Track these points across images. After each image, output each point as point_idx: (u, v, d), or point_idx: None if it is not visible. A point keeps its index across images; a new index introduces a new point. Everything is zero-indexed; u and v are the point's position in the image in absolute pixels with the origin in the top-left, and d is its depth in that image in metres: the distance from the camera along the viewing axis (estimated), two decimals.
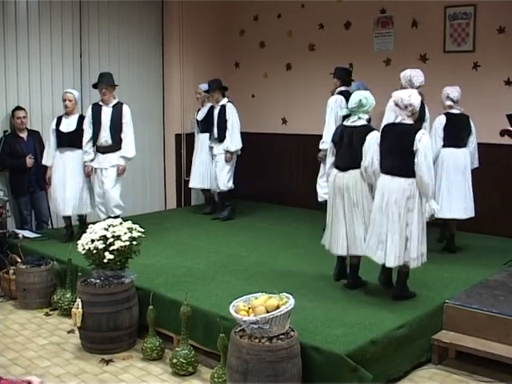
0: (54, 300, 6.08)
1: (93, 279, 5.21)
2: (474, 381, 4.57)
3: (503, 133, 6.11)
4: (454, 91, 6.59)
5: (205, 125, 8.52)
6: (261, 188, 9.16)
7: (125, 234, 5.17)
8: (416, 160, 4.86)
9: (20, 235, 7.13)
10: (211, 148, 8.46)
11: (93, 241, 5.11)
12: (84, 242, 5.17)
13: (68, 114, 7.21)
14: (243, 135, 8.36)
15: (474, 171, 6.57)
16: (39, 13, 8.02)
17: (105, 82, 7.17)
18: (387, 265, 5.02)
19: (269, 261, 6.32)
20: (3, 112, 7.77)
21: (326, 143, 6.98)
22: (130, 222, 5.42)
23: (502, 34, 7.23)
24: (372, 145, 5.10)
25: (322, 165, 7.41)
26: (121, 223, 5.29)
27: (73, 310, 5.17)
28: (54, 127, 7.17)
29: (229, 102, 8.35)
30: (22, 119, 7.64)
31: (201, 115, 8.66)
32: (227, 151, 8.23)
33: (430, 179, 4.92)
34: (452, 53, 7.63)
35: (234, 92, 8.82)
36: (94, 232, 5.19)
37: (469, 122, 6.57)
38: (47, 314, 6.06)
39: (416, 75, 6.53)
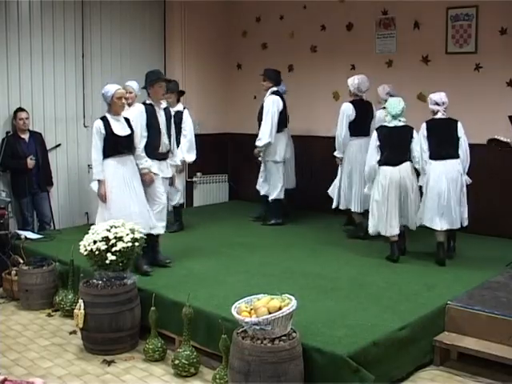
0: (56, 301, 6.08)
1: (95, 280, 5.21)
2: (476, 382, 4.56)
3: (491, 142, 6.04)
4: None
5: None
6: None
7: (127, 235, 5.18)
8: (460, 143, 6.22)
9: (22, 236, 7.13)
10: None
11: (95, 242, 5.12)
12: (86, 243, 5.18)
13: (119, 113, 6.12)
14: (245, 136, 8.36)
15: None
16: (41, 13, 8.03)
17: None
18: (458, 226, 6.24)
19: (270, 262, 6.32)
20: (5, 113, 7.78)
21: (262, 140, 7.83)
22: (131, 223, 5.44)
23: (504, 35, 7.22)
24: (420, 139, 6.26)
25: (262, 163, 8.15)
26: (123, 224, 5.30)
27: (75, 311, 5.18)
28: (104, 131, 5.86)
29: (185, 108, 7.78)
30: (24, 120, 7.64)
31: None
32: (183, 162, 7.55)
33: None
34: (454, 54, 7.63)
35: (236, 93, 8.82)
36: (96, 233, 5.19)
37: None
38: (49, 315, 6.07)
39: (363, 82, 7.28)
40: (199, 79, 9.65)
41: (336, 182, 7.58)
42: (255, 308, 4.11)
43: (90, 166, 8.42)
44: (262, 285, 5.23)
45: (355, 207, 7.38)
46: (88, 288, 5.18)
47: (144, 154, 6.06)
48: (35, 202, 7.81)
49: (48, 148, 8.06)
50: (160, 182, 6.22)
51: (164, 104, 6.55)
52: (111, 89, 5.92)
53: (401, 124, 6.29)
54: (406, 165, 6.24)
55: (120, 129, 5.89)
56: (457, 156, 6.21)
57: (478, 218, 7.40)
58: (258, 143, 7.90)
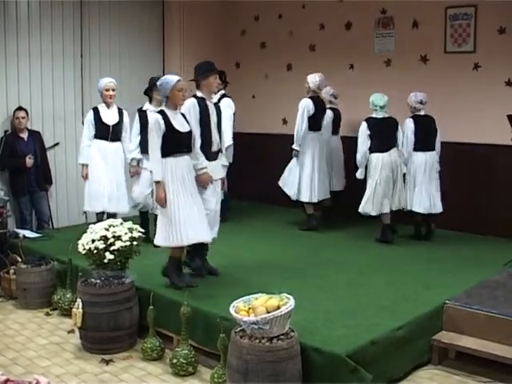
0: (54, 300, 6.08)
1: (93, 279, 5.21)
2: (474, 381, 4.57)
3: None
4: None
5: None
6: (261, 189, 9.15)
7: (125, 234, 5.18)
8: (438, 137, 7.17)
9: (20, 235, 7.12)
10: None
11: (93, 241, 5.12)
12: (84, 242, 5.18)
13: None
14: (245, 135, 8.35)
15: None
16: (40, 13, 8.02)
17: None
18: (438, 211, 7.12)
19: (269, 261, 6.32)
20: (4, 112, 7.77)
21: (228, 141, 7.47)
22: (130, 222, 5.43)
23: (503, 34, 7.22)
24: (407, 132, 7.15)
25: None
26: (121, 223, 5.30)
27: (73, 310, 5.18)
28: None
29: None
30: (20, 119, 7.62)
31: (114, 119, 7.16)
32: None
33: None
34: (453, 53, 7.63)
35: (235, 92, 8.81)
36: (94, 232, 5.19)
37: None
38: (47, 314, 6.06)
39: (322, 80, 7.69)
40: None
41: (287, 174, 7.84)
42: (253, 307, 4.11)
43: None
44: (260, 284, 5.23)
45: (310, 198, 7.68)
46: (86, 287, 5.18)
47: (201, 152, 5.53)
48: (34, 201, 7.81)
49: (46, 147, 8.05)
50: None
51: (215, 98, 6.47)
52: (172, 79, 5.35)
53: (387, 115, 7.09)
54: (394, 150, 7.05)
55: (179, 124, 5.32)
56: (434, 148, 7.16)
57: (477, 217, 7.44)
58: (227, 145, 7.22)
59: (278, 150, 9.15)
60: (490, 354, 4.60)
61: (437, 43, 7.72)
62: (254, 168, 8.56)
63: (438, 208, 7.13)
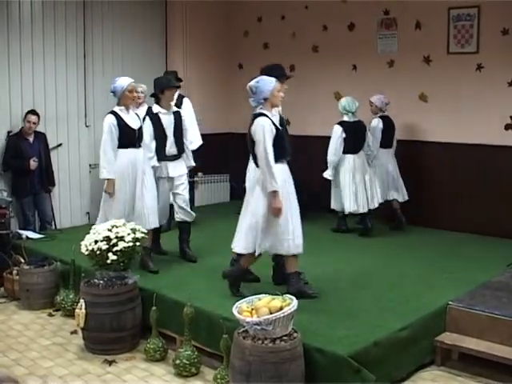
0: (57, 301, 6.09)
1: (96, 280, 5.21)
2: (477, 383, 4.56)
3: (508, 127, 6.14)
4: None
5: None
6: None
7: (128, 234, 5.18)
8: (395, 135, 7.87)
9: (23, 236, 7.14)
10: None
11: (96, 242, 5.12)
12: (87, 243, 5.18)
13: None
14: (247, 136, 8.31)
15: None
16: (43, 14, 8.02)
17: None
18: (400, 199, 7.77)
19: (269, 261, 6.31)
20: (7, 113, 7.77)
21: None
22: (132, 223, 5.44)
23: (506, 35, 7.21)
24: (376, 131, 7.68)
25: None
26: (124, 224, 5.30)
27: (76, 310, 5.18)
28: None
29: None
30: (31, 124, 7.59)
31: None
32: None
33: None
34: (456, 54, 7.62)
35: (238, 93, 8.81)
36: (97, 233, 5.20)
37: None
38: (50, 315, 6.07)
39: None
40: (200, 79, 9.65)
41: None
42: (256, 308, 4.11)
43: (91, 166, 8.46)
44: (264, 285, 5.22)
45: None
46: (89, 288, 5.18)
47: None
48: (37, 202, 7.81)
49: (49, 147, 8.05)
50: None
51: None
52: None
53: (357, 119, 7.45)
54: (362, 152, 7.50)
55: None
56: (392, 145, 7.82)
57: (479, 218, 7.43)
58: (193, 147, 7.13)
59: None
60: (493, 355, 4.59)
61: (440, 44, 7.72)
62: None
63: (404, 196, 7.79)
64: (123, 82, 6.00)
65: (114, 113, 5.98)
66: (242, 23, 9.92)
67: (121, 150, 5.98)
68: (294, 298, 4.16)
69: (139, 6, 9.07)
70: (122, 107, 6.03)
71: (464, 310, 4.92)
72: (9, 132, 7.67)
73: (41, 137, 7.84)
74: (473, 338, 4.80)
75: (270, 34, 9.53)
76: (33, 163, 7.54)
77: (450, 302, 5.02)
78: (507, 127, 6.12)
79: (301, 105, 8.97)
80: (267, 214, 4.94)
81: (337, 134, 7.38)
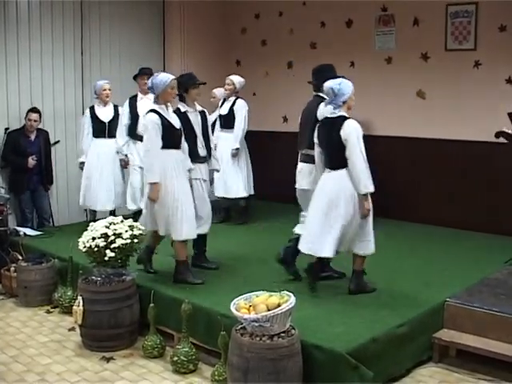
0: (54, 298, 6.09)
1: (94, 277, 5.21)
2: (475, 379, 4.57)
3: (499, 135, 6.12)
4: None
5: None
6: (261, 186, 9.13)
7: (126, 231, 5.18)
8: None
9: (21, 233, 7.13)
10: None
11: (94, 238, 5.12)
12: (85, 240, 5.18)
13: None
14: (246, 133, 8.32)
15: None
16: (40, 12, 8.01)
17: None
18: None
19: (268, 259, 6.31)
20: (4, 110, 7.76)
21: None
22: (130, 219, 5.43)
23: (504, 32, 7.21)
24: None
25: None
26: (122, 221, 5.30)
27: (74, 307, 5.18)
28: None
29: None
30: (32, 122, 7.58)
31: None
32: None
33: None
34: (453, 51, 7.62)
35: None
36: (95, 230, 5.19)
37: None
38: (48, 312, 6.07)
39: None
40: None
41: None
42: (254, 305, 4.11)
43: None
44: (261, 282, 5.23)
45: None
46: (87, 285, 5.18)
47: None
48: (34, 199, 7.80)
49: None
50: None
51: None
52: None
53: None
54: None
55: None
56: None
57: (478, 215, 7.44)
58: None
59: (279, 147, 9.17)
60: (490, 351, 4.61)
61: (437, 41, 7.71)
62: (254, 165, 8.53)
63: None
64: (165, 77, 5.55)
65: (155, 111, 5.40)
66: (240, 20, 9.91)
67: (165, 151, 5.40)
68: (291, 294, 4.16)
69: (137, 4, 9.05)
70: (162, 105, 5.50)
71: (462, 307, 4.92)
72: (6, 129, 7.65)
73: (43, 134, 7.82)
74: (470, 334, 4.81)
75: (268, 31, 9.52)
76: (31, 161, 7.53)
77: (448, 299, 5.03)
78: (497, 135, 6.12)
79: (298, 102, 8.94)
80: (358, 215, 5.07)
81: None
